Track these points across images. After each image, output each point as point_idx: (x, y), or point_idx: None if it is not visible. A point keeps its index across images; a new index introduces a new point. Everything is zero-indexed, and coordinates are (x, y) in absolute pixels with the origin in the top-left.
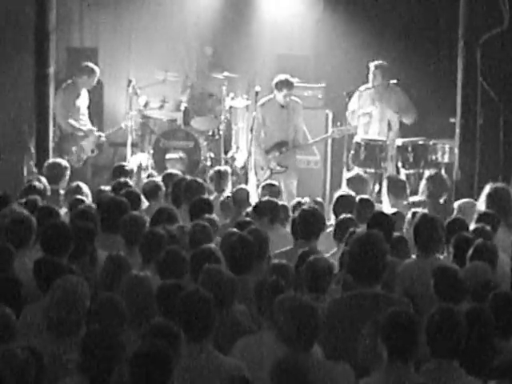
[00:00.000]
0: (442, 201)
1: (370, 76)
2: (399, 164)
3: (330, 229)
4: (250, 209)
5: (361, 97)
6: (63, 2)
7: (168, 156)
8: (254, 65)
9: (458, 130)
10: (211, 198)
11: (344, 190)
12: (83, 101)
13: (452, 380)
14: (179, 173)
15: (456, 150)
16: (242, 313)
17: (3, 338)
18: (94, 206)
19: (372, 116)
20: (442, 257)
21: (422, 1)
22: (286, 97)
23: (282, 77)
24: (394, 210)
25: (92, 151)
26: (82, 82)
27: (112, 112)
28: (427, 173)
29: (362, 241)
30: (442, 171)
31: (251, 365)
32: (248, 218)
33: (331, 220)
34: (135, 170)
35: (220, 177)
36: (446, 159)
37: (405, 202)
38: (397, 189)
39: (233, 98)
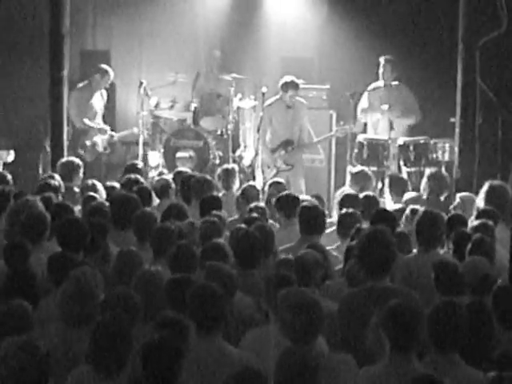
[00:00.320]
0: (442, 198)
1: (380, 70)
2: (401, 162)
3: (333, 227)
4: (260, 204)
5: (371, 95)
6: (77, 7)
7: (178, 155)
8: (260, 67)
9: (457, 130)
10: (219, 195)
11: (347, 187)
12: (97, 101)
13: (453, 371)
14: (189, 171)
15: (456, 149)
16: (249, 306)
17: (21, 328)
18: (106, 203)
19: (383, 113)
20: (442, 251)
21: (423, 5)
22: (291, 97)
23: (288, 78)
24: (397, 206)
25: (105, 148)
26: (96, 82)
27: (124, 112)
28: (428, 171)
29: (372, 236)
30: (443, 169)
31: (259, 357)
32: (255, 214)
33: (334, 216)
34: (150, 169)
35: (228, 175)
36: (447, 158)
37: (403, 199)
38: (398, 187)
39: (240, 99)
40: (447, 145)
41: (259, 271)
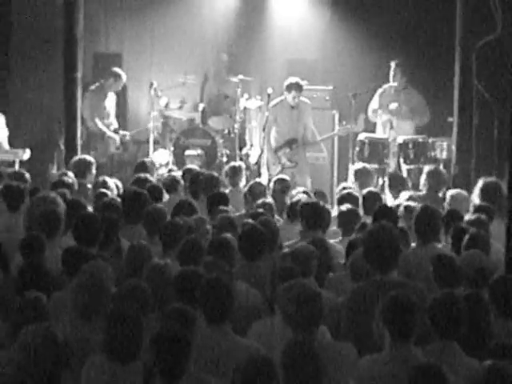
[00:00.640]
0: (440, 194)
1: (391, 73)
2: (401, 160)
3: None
4: (266, 200)
5: (382, 96)
6: (90, 12)
7: (187, 153)
8: (266, 69)
9: (455, 129)
10: (226, 191)
11: (348, 183)
12: (110, 102)
13: (453, 360)
14: (197, 168)
15: (453, 147)
16: (254, 297)
17: (37, 318)
18: (117, 198)
19: (393, 115)
20: (440, 246)
21: (423, 10)
22: (295, 98)
23: (292, 79)
24: (397, 202)
25: (117, 148)
26: (108, 84)
27: (135, 112)
28: (427, 168)
29: (379, 232)
30: (441, 166)
31: (265, 347)
32: (261, 210)
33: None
34: (157, 165)
35: (235, 172)
36: (444, 155)
37: (405, 195)
38: (396, 184)
39: (247, 100)
40: (445, 143)
41: (265, 264)
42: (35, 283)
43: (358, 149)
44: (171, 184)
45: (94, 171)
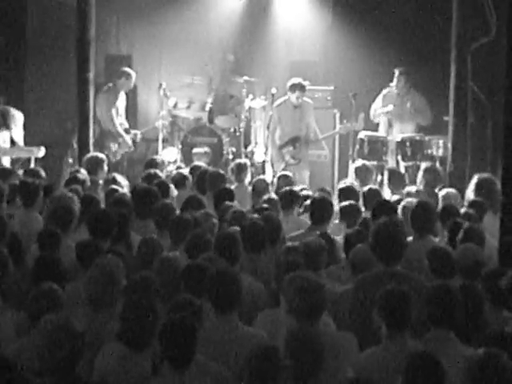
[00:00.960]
0: (436, 190)
1: (395, 80)
2: (399, 157)
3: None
4: (271, 195)
5: (385, 98)
6: (102, 16)
7: (195, 150)
8: (270, 70)
9: (450, 128)
10: (232, 187)
11: (350, 180)
12: (121, 102)
13: (449, 348)
14: (204, 165)
15: (449, 145)
16: (258, 289)
17: (51, 308)
18: (128, 194)
19: (393, 116)
20: (437, 239)
21: (420, 14)
22: (298, 98)
23: (295, 80)
24: (396, 197)
25: (129, 148)
26: (120, 84)
27: (145, 112)
28: (424, 165)
29: (387, 226)
30: (437, 164)
31: (270, 336)
32: (266, 205)
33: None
34: (166, 162)
35: (240, 169)
36: (441, 153)
37: (403, 191)
38: (396, 180)
39: (252, 99)
40: (441, 141)
41: (268, 257)
42: (51, 275)
43: (358, 146)
44: (179, 180)
45: (105, 168)
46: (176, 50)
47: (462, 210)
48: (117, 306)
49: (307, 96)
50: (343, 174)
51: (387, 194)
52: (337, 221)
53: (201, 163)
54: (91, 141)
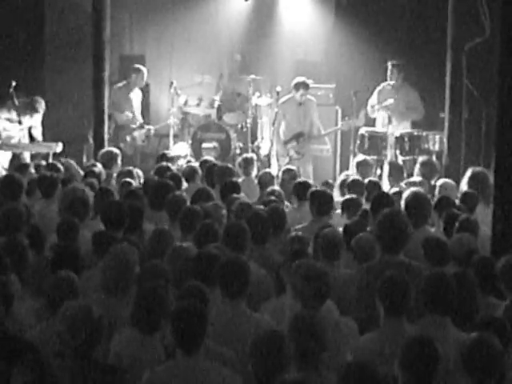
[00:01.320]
0: (433, 182)
1: (388, 73)
2: (397, 152)
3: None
4: (275, 188)
5: (380, 93)
6: (116, 17)
7: (204, 145)
8: (275, 69)
9: (446, 124)
10: (239, 180)
11: (349, 172)
12: (135, 98)
13: (444, 333)
14: (213, 159)
15: (445, 140)
16: (264, 277)
17: (68, 295)
18: (140, 187)
19: (391, 111)
20: (433, 229)
21: (418, 15)
22: (302, 96)
23: (299, 79)
24: (395, 189)
25: (143, 141)
26: (133, 81)
27: (157, 109)
28: (421, 159)
29: (393, 217)
30: (433, 158)
31: (275, 321)
32: (272, 197)
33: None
34: (179, 157)
35: (247, 163)
36: (437, 148)
37: (402, 183)
38: (396, 172)
39: (258, 97)
40: (437, 136)
41: (273, 246)
42: (69, 263)
43: (358, 142)
44: (190, 174)
45: (119, 162)
46: (186, 50)
47: (456, 201)
48: (130, 293)
49: (310, 94)
50: (344, 168)
51: (386, 186)
52: (338, 211)
53: (210, 157)
54: (106, 136)
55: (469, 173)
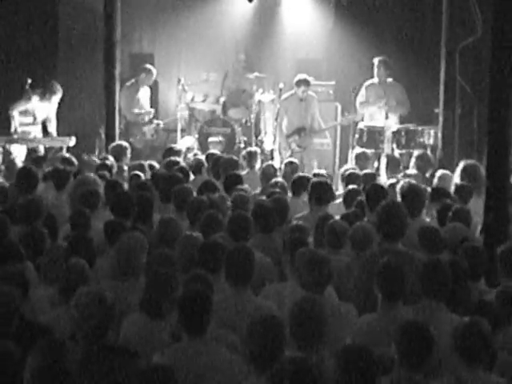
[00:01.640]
0: (427, 174)
1: (375, 69)
2: (394, 145)
3: (339, 199)
4: (279, 179)
5: (367, 89)
6: (126, 18)
7: (210, 139)
8: (278, 67)
9: (440, 119)
10: (244, 172)
11: (349, 165)
12: (144, 95)
13: (438, 316)
14: (219, 153)
15: (439, 134)
16: (267, 264)
17: (80, 282)
18: (149, 179)
19: (380, 107)
20: (428, 219)
21: (413, 16)
22: (303, 92)
23: (301, 76)
24: (391, 181)
25: (152, 135)
26: (141, 79)
27: (165, 105)
28: (416, 152)
29: (391, 207)
30: (428, 151)
31: (276, 305)
32: (276, 189)
33: (339, 189)
34: (184, 150)
35: (251, 156)
36: (431, 141)
37: (399, 175)
38: (393, 165)
39: (261, 93)
40: (432, 131)
41: (276, 235)
42: (83, 251)
43: (357, 136)
44: (196, 166)
45: (128, 155)
46: (193, 49)
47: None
48: (140, 279)
49: (311, 90)
50: (343, 161)
51: (383, 178)
52: (337, 201)
53: (215, 151)
54: (117, 131)
55: (461, 165)
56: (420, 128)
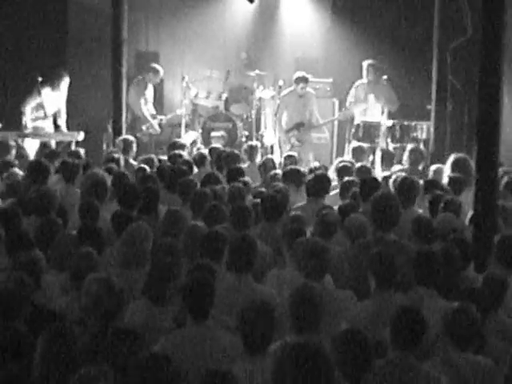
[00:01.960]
0: (420, 167)
1: (364, 72)
2: (388, 139)
3: (336, 191)
4: (277, 171)
5: (357, 90)
6: (133, 18)
7: (212, 134)
8: (277, 65)
9: (433, 114)
10: (245, 165)
11: (345, 158)
12: (150, 92)
13: (430, 302)
14: (221, 146)
15: (431, 129)
16: (267, 251)
17: (88, 269)
18: (155, 172)
19: (369, 104)
20: (421, 210)
21: (406, 17)
22: (302, 89)
23: (300, 73)
24: (386, 174)
25: (156, 131)
26: (148, 78)
27: (170, 101)
28: (409, 146)
29: (384, 199)
30: (421, 145)
31: (277, 291)
32: (277, 181)
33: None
34: (189, 144)
35: (252, 149)
36: (424, 136)
37: (392, 168)
38: (387, 159)
39: (262, 90)
40: (425, 126)
41: (277, 224)
42: (92, 240)
43: (353, 130)
44: (200, 160)
45: (134, 148)
46: (197, 48)
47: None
48: (146, 266)
49: (310, 87)
50: (340, 154)
51: (378, 171)
52: (332, 193)
53: (218, 145)
54: (124, 126)
55: (452, 158)
56: (413, 123)
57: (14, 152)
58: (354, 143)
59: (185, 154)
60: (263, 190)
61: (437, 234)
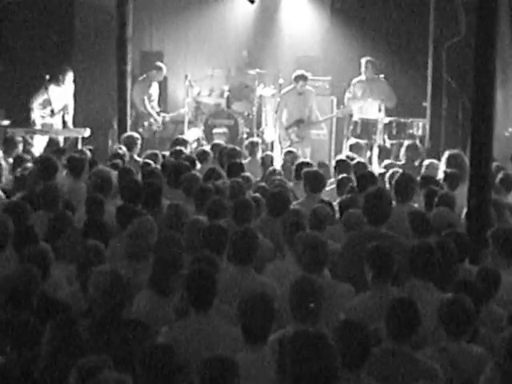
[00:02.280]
0: (416, 163)
1: (362, 69)
2: (385, 136)
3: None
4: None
5: (355, 87)
6: (137, 17)
7: (215, 131)
8: (278, 63)
9: (428, 111)
10: (246, 161)
11: (344, 155)
12: (154, 90)
13: (426, 294)
14: (223, 143)
15: (427, 126)
16: (267, 244)
17: (96, 262)
18: (159, 167)
19: (366, 101)
20: (416, 205)
21: (403, 17)
22: (302, 87)
23: (299, 72)
24: (382, 169)
25: (158, 127)
26: (152, 75)
27: (173, 99)
28: (406, 143)
29: (376, 194)
30: (417, 141)
31: (277, 282)
32: (277, 176)
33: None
34: (193, 141)
35: (253, 146)
36: (420, 132)
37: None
38: (384, 155)
39: (263, 88)
40: (420, 123)
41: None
42: (98, 233)
43: (351, 127)
44: (202, 155)
45: (139, 145)
46: (199, 47)
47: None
48: (150, 259)
49: (309, 85)
50: (339, 150)
51: (375, 167)
52: (328, 188)
53: (220, 141)
54: (129, 123)
55: (447, 154)
56: (409, 120)
57: (20, 147)
58: (352, 140)
59: (187, 149)
60: (263, 184)
61: (432, 227)
